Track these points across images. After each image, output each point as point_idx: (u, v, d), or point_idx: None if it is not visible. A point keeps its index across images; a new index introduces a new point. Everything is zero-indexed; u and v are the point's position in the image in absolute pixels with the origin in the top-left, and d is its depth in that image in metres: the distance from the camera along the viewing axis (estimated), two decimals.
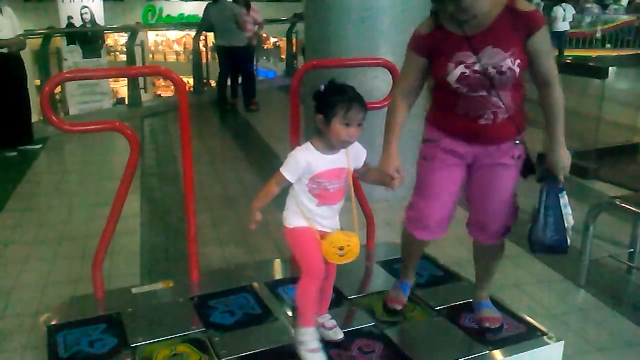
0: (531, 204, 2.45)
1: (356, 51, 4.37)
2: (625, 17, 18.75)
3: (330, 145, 2.21)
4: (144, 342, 2.47)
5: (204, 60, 10.94)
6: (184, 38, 20.44)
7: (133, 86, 9.17)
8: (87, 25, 10.37)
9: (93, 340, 2.50)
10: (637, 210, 3.21)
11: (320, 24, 4.63)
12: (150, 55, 19.84)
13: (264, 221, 2.28)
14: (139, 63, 11.49)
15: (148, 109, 8.98)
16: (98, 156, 6.40)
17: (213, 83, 10.89)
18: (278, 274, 3.30)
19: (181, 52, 21.45)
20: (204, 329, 2.58)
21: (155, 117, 8.56)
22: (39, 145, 6.56)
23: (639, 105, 9.63)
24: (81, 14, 10.34)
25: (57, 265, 3.65)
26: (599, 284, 3.42)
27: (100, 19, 10.63)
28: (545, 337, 2.55)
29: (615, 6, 21.01)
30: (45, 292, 3.29)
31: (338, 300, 2.74)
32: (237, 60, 8.54)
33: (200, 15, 9.14)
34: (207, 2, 8.78)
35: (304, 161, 2.19)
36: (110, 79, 11.36)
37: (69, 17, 10.32)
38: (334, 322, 2.50)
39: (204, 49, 11.29)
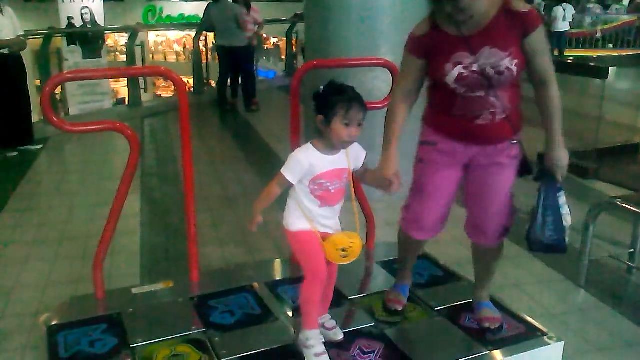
0: (530, 204, 2.45)
1: (356, 51, 4.37)
2: (625, 17, 18.72)
3: (331, 145, 2.21)
4: (144, 342, 2.47)
5: (204, 61, 10.95)
6: (184, 38, 20.47)
7: (133, 86, 9.18)
8: (88, 26, 10.37)
9: (93, 340, 2.50)
10: (638, 211, 3.21)
11: (321, 24, 4.63)
12: (151, 56, 19.88)
13: (264, 221, 2.28)
14: (139, 63, 11.52)
15: (148, 109, 8.99)
16: (98, 156, 6.40)
17: (213, 83, 10.90)
18: (278, 274, 3.31)
19: (181, 53, 21.47)
20: (204, 329, 2.58)
21: (156, 117, 8.56)
22: (40, 146, 6.57)
23: (639, 105, 9.64)
24: (82, 14, 10.35)
25: (58, 265, 3.65)
26: (599, 284, 3.42)
27: (100, 20, 10.64)
28: (545, 337, 2.55)
29: (617, 6, 21.01)
30: (46, 292, 3.29)
31: (338, 300, 2.74)
32: (237, 60, 8.54)
33: (201, 15, 9.15)
34: (207, 3, 8.79)
35: (306, 162, 2.19)
36: (111, 79, 11.36)
37: (70, 18, 10.33)
38: (334, 322, 2.50)
39: (204, 49, 11.30)
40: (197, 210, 3.02)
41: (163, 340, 2.49)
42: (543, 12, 15.72)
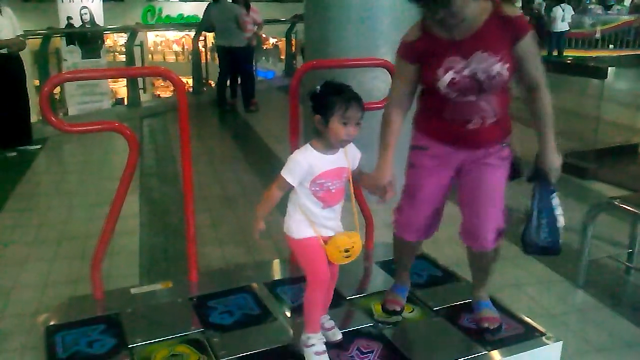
0: (524, 203, 2.46)
1: (356, 51, 4.37)
2: (624, 18, 18.74)
3: (330, 145, 2.21)
4: (142, 343, 2.47)
5: (203, 61, 10.95)
6: (183, 38, 20.45)
7: (132, 87, 9.18)
8: (87, 26, 10.35)
9: (92, 340, 2.50)
10: (636, 211, 3.21)
11: (320, 24, 4.63)
12: (150, 56, 19.85)
13: (263, 221, 2.28)
14: (138, 63, 11.49)
15: (147, 110, 8.98)
16: (97, 156, 6.41)
17: (212, 83, 10.90)
18: (277, 275, 3.30)
19: (180, 53, 21.45)
20: (203, 329, 2.58)
21: (155, 117, 8.56)
22: (39, 146, 6.56)
23: (638, 106, 9.65)
24: (80, 15, 10.32)
25: (57, 265, 3.65)
26: (598, 284, 3.42)
27: (99, 20, 10.61)
28: (543, 338, 2.55)
29: (619, 7, 21.01)
30: (45, 292, 3.29)
31: (337, 300, 2.73)
32: (236, 60, 8.54)
33: (200, 15, 9.14)
34: (206, 3, 8.78)
35: (305, 163, 2.19)
36: (110, 80, 11.36)
37: (69, 18, 10.31)
38: (332, 322, 2.50)
39: (203, 49, 11.30)
40: (196, 210, 3.02)
41: (162, 340, 2.49)
42: (543, 13, 15.75)
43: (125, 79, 9.98)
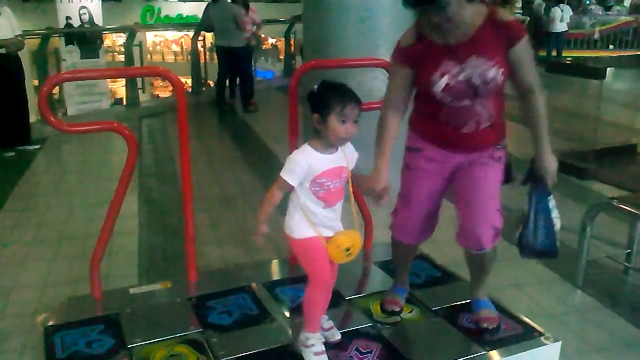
0: (520, 204, 2.46)
1: (355, 51, 4.37)
2: (623, 18, 18.74)
3: (329, 144, 2.22)
4: (141, 343, 2.47)
5: (202, 61, 10.93)
6: (182, 39, 20.44)
7: (131, 87, 9.17)
8: (86, 26, 10.33)
9: (91, 340, 2.50)
10: (635, 211, 3.22)
11: (320, 24, 4.63)
12: (149, 56, 19.80)
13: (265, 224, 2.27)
14: (137, 63, 11.46)
15: (146, 110, 8.97)
16: (96, 156, 6.40)
17: (211, 83, 10.88)
18: (276, 275, 3.30)
19: (179, 53, 21.44)
20: (202, 329, 2.58)
21: (154, 117, 8.55)
22: (38, 146, 6.56)
23: (637, 106, 9.65)
24: (79, 15, 10.30)
25: (56, 265, 3.64)
26: (597, 284, 3.43)
27: (98, 20, 10.59)
28: (542, 338, 2.56)
29: (619, 7, 21.01)
30: (45, 292, 3.29)
31: (336, 300, 2.74)
32: (235, 60, 8.53)
33: (199, 15, 9.13)
34: (205, 3, 8.77)
35: (304, 163, 2.19)
36: (109, 80, 11.34)
37: (68, 18, 10.30)
38: (331, 322, 2.50)
39: (202, 49, 11.28)
40: (195, 210, 3.02)
41: (160, 340, 2.49)
42: (543, 13, 15.75)
43: (124, 79, 9.97)
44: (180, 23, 19.22)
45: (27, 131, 6.54)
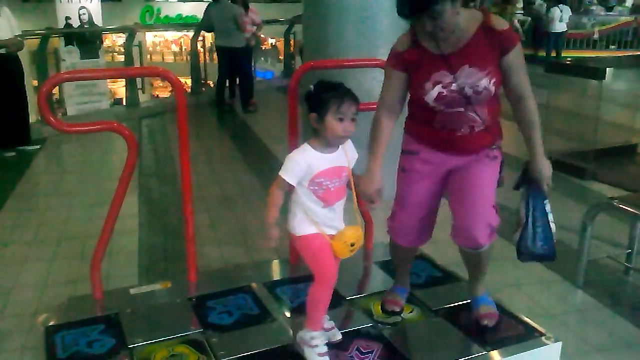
0: (515, 206, 2.46)
1: (355, 52, 4.36)
2: (623, 18, 18.73)
3: (327, 143, 2.22)
4: (142, 343, 2.47)
5: (201, 61, 10.93)
6: (182, 39, 20.46)
7: (131, 87, 9.17)
8: (85, 26, 10.33)
9: (91, 340, 2.49)
10: (635, 211, 3.21)
11: (319, 24, 4.62)
12: (148, 56, 19.83)
13: (263, 221, 2.27)
14: (136, 64, 11.47)
15: (146, 110, 8.97)
16: (96, 157, 6.40)
17: (211, 84, 10.88)
18: (276, 275, 3.30)
19: (179, 53, 21.45)
20: (202, 329, 2.58)
21: (153, 117, 8.55)
22: (37, 146, 6.56)
23: (637, 106, 9.65)
24: (79, 15, 10.31)
25: (56, 265, 3.64)
26: (597, 284, 3.43)
27: (98, 20, 10.59)
28: (543, 338, 2.55)
29: (620, 7, 20.99)
30: (45, 292, 3.29)
31: (336, 300, 2.73)
32: (235, 60, 8.53)
33: (198, 16, 9.13)
34: (204, 3, 8.77)
35: (303, 162, 2.19)
36: (108, 80, 11.34)
37: (67, 18, 10.30)
38: (332, 323, 2.50)
39: (201, 49, 11.29)
40: (195, 210, 3.02)
41: (161, 340, 2.49)
42: (543, 13, 15.75)
43: (123, 79, 9.97)
44: (180, 23, 19.24)
45: (27, 131, 6.54)
